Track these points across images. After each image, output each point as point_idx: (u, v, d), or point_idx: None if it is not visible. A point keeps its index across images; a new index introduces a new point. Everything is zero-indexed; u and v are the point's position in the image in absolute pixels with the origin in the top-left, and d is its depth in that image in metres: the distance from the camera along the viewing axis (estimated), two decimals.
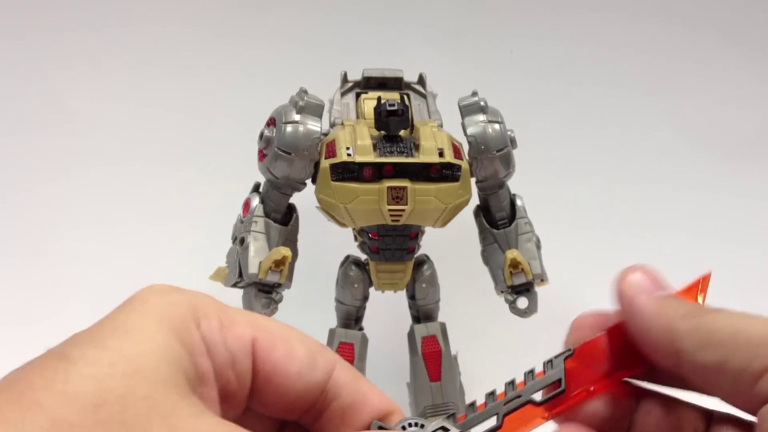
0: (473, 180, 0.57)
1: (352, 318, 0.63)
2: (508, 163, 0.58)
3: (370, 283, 0.62)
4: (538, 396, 0.27)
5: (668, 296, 0.27)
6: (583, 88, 1.02)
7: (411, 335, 0.63)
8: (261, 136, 0.56)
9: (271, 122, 0.56)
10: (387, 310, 0.67)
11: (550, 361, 0.28)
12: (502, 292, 0.60)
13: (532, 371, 0.27)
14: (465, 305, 0.72)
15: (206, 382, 0.23)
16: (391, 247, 0.59)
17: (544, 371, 0.27)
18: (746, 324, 0.24)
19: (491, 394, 0.27)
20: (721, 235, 0.93)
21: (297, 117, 0.55)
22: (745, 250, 0.92)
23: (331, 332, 0.62)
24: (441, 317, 0.64)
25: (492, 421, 0.27)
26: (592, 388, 0.27)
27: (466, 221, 0.60)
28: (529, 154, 0.63)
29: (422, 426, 0.26)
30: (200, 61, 0.98)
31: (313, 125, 0.55)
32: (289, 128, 0.55)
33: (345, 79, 0.63)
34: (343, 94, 0.61)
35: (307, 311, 0.72)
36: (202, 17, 0.99)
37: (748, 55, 1.03)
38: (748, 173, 0.99)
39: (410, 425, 0.26)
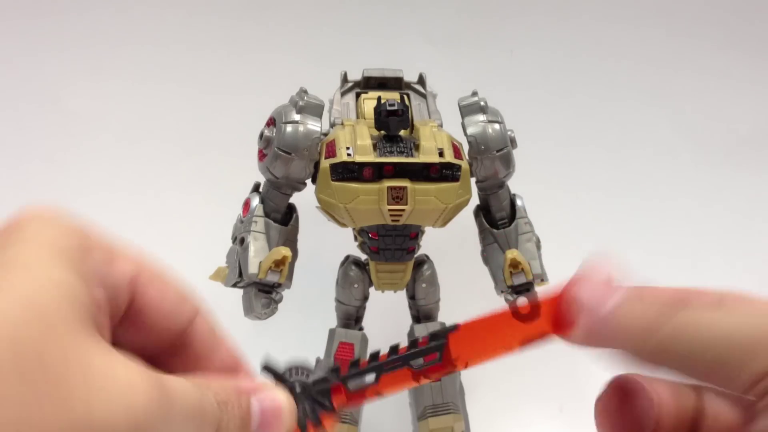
0: (473, 180, 0.57)
1: (352, 318, 0.63)
2: (508, 163, 0.58)
3: (370, 283, 0.62)
4: (417, 362, 0.29)
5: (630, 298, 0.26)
6: (583, 88, 1.02)
7: (411, 335, 0.63)
8: (261, 136, 0.56)
9: (271, 122, 0.56)
10: (387, 310, 0.67)
11: (436, 333, 0.29)
12: (502, 292, 0.59)
13: (416, 340, 0.29)
14: (465, 305, 0.72)
15: (103, 312, 0.22)
16: (391, 247, 0.59)
17: (428, 342, 0.29)
18: (729, 325, 0.24)
19: (375, 356, 0.29)
20: (721, 234, 0.93)
21: (297, 117, 0.55)
22: (745, 249, 0.92)
23: (331, 332, 0.62)
24: (441, 317, 0.64)
25: (371, 377, 0.29)
26: (467, 362, 0.29)
27: (466, 221, 0.60)
28: (530, 154, 0.63)
29: (307, 375, 0.28)
30: (200, 60, 0.98)
31: (313, 125, 0.55)
32: (289, 128, 0.55)
33: (345, 79, 0.62)
34: (343, 94, 0.61)
35: (307, 311, 0.72)
36: (202, 17, 0.99)
37: (748, 55, 1.03)
38: (748, 173, 0.99)
39: (297, 372, 0.28)
